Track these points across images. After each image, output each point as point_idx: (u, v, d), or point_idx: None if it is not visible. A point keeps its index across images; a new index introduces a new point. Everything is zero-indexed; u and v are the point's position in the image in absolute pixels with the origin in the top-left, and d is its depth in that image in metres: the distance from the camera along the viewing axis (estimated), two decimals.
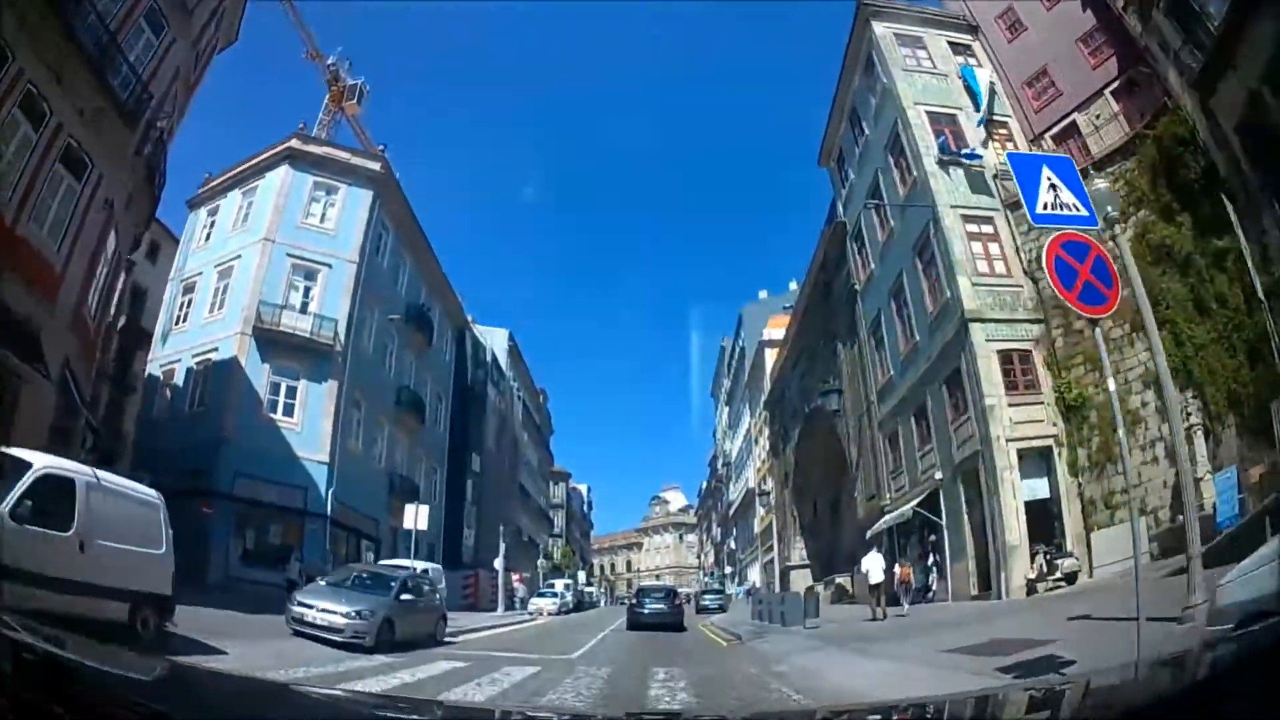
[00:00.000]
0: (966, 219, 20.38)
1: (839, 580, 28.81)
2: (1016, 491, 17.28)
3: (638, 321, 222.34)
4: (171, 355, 26.79)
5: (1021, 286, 19.33)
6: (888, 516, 21.91)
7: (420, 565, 21.39)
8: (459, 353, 38.58)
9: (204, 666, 3.73)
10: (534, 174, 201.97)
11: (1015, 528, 16.97)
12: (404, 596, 12.33)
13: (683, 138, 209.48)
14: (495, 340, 47.61)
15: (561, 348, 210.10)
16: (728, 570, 62.86)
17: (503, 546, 31.95)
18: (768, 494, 41.15)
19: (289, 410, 25.01)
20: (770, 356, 45.52)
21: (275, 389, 24.91)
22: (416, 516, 19.34)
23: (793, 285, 55.06)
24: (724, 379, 69.56)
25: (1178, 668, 1.67)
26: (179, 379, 26.22)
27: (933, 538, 20.42)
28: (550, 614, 31.67)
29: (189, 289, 27.83)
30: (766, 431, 46.48)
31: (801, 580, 36.88)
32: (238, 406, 23.92)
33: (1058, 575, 16.19)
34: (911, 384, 21.84)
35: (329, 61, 50.54)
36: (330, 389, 25.58)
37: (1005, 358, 18.36)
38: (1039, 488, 17.58)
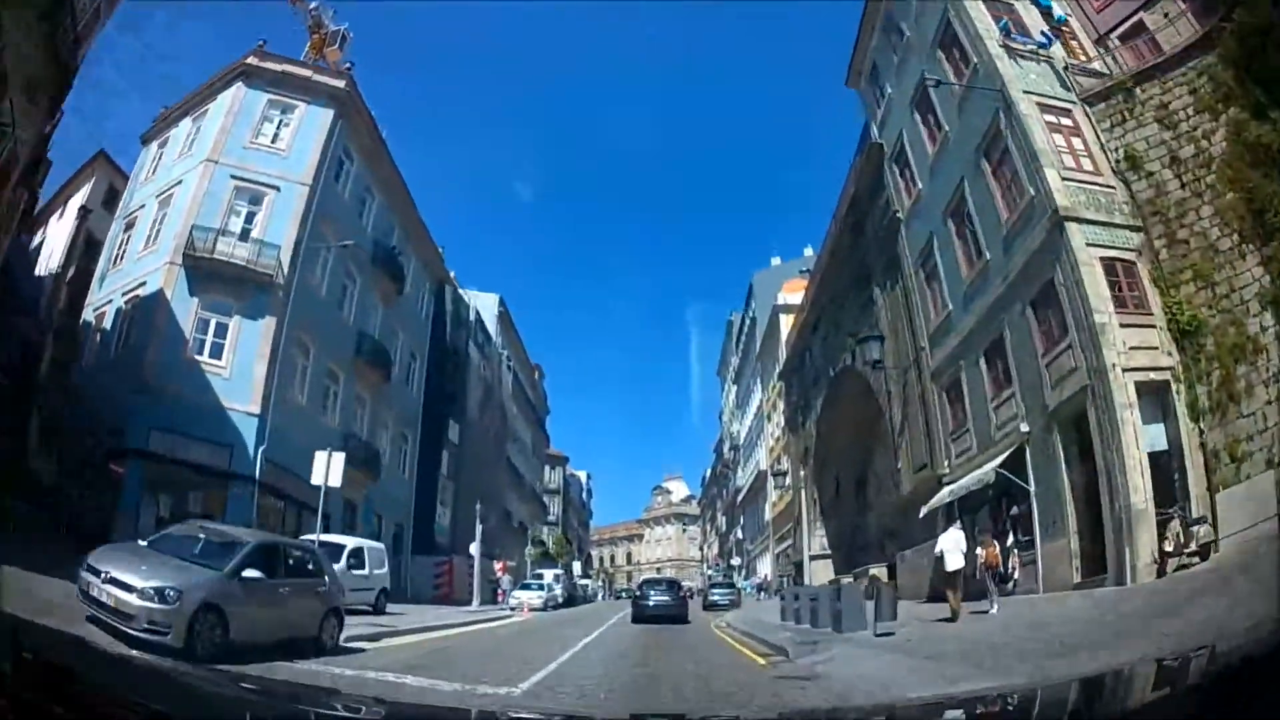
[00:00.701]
0: (1043, 108, 16.26)
1: (874, 571, 24.37)
2: (1140, 438, 12.91)
3: (635, 312, 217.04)
4: (105, 297, 23.14)
5: (1114, 188, 15.25)
6: (949, 488, 17.45)
7: (353, 542, 17.08)
8: (438, 309, 34.10)
9: (204, 667, 3.31)
10: (528, 155, 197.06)
11: (1140, 486, 12.59)
12: (249, 573, 7.74)
13: (687, 107, 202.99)
14: (484, 304, 43.22)
15: (559, 338, 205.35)
16: (734, 562, 58.39)
17: (479, 528, 27.50)
18: (783, 474, 36.73)
19: (217, 352, 20.86)
20: (786, 323, 41.02)
21: (204, 327, 20.88)
22: (328, 467, 14.83)
23: (808, 251, 50.72)
24: (732, 356, 64.88)
25: (1188, 667, 1.62)
26: (108, 323, 22.50)
27: (1014, 510, 15.95)
28: (534, 609, 27.22)
29: (130, 225, 24.18)
30: (781, 406, 42.00)
31: (823, 572, 32.59)
32: (159, 348, 20.10)
33: (1192, 547, 11.97)
34: (980, 316, 17.38)
35: (311, 6, 46.76)
36: (267, 326, 21.32)
37: (1109, 268, 14.17)
38: (1155, 436, 13.27)
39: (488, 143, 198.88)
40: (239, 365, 20.82)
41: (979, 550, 13.55)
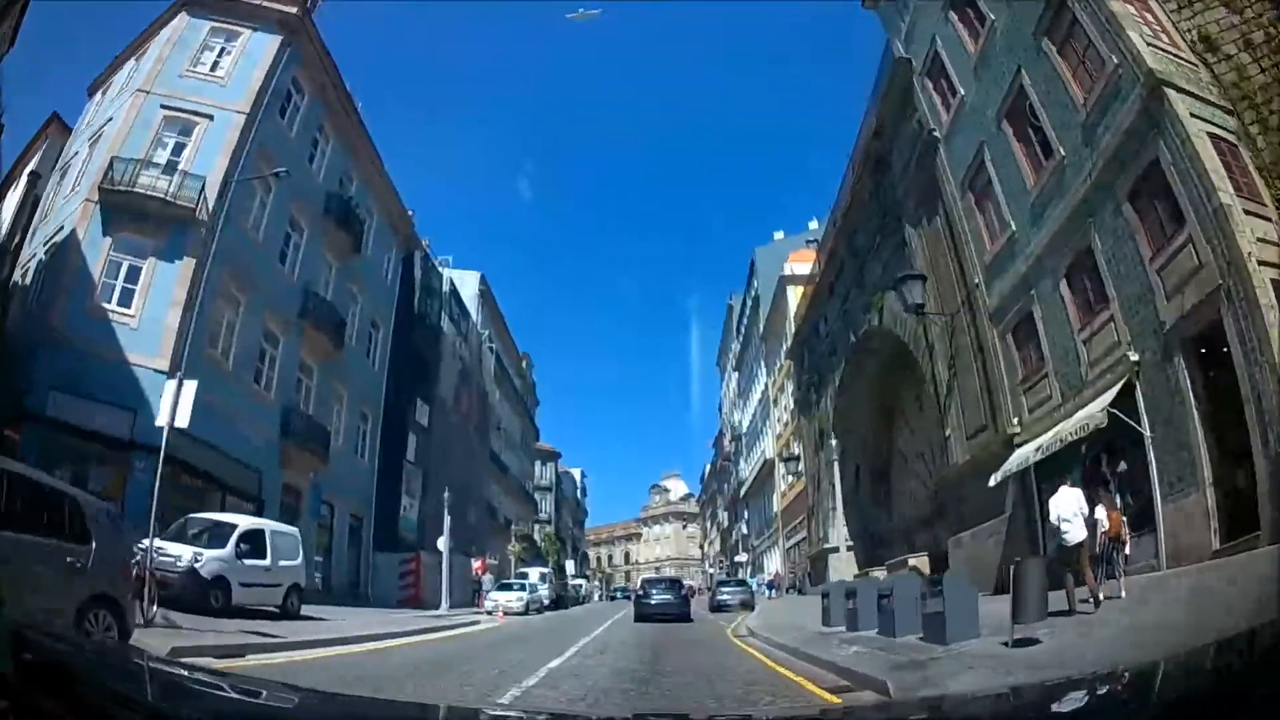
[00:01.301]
0: None
1: (913, 561, 20.85)
2: None
3: (631, 308, 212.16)
4: (31, 253, 20.43)
5: (1197, 65, 12.35)
6: (1027, 448, 13.81)
7: (247, 521, 13.18)
8: (406, 277, 30.36)
9: (204, 666, 3.04)
10: (514, 133, 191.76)
11: None
12: None
13: (684, 79, 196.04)
14: (464, 281, 39.59)
15: (553, 336, 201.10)
16: (739, 558, 54.54)
17: (447, 520, 23.71)
18: (795, 459, 33.03)
19: (127, 299, 17.62)
20: (794, 296, 37.45)
21: (114, 271, 17.75)
22: (176, 400, 10.96)
23: (813, 224, 47.26)
24: (732, 342, 61.11)
25: (1205, 663, 1.56)
26: (29, 278, 19.65)
27: (1121, 466, 12.31)
28: (513, 613, 23.36)
29: (64, 174, 21.75)
30: (790, 388, 38.37)
31: (845, 567, 28.99)
32: (66, 297, 17.16)
33: None
34: (1057, 228, 13.94)
35: None
36: (185, 268, 18.00)
37: (1216, 147, 10.95)
38: None
39: (468, 116, 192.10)
40: (149, 313, 17.55)
41: (1099, 515, 9.91)
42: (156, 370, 16.98)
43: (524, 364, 57.30)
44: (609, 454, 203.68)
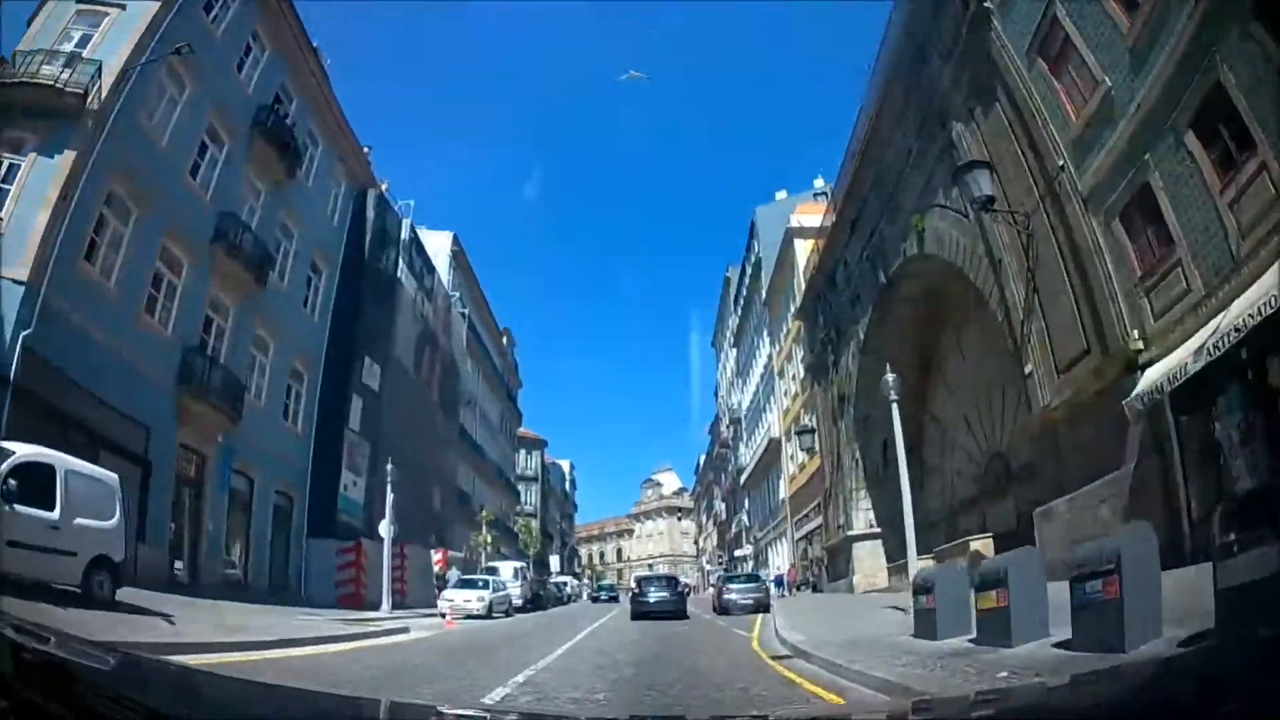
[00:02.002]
0: None
1: (975, 545, 16.95)
2: None
3: (626, 304, 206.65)
4: None
5: None
6: (1171, 360, 9.80)
7: (24, 450, 8.51)
8: (357, 218, 26.10)
9: (204, 667, 3.36)
10: (507, 148, 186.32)
11: None
12: None
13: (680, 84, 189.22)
14: (434, 242, 35.45)
15: (545, 331, 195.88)
16: (740, 551, 50.40)
17: (390, 498, 19.53)
18: (810, 431, 28.98)
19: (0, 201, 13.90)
20: (803, 249, 33.51)
21: None
22: None
23: (818, 182, 43.31)
24: (730, 317, 56.88)
25: (1175, 667, 1.55)
26: None
27: None
28: (472, 617, 19.16)
29: None
30: (799, 354, 34.36)
31: (871, 558, 25.11)
32: None
33: None
34: (1169, 70, 10.19)
35: None
36: (64, 163, 14.11)
37: None
38: None
39: (451, 94, 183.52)
40: (18, 216, 13.64)
41: None
42: (15, 281, 13.09)
43: (504, 340, 52.98)
44: (602, 453, 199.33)
